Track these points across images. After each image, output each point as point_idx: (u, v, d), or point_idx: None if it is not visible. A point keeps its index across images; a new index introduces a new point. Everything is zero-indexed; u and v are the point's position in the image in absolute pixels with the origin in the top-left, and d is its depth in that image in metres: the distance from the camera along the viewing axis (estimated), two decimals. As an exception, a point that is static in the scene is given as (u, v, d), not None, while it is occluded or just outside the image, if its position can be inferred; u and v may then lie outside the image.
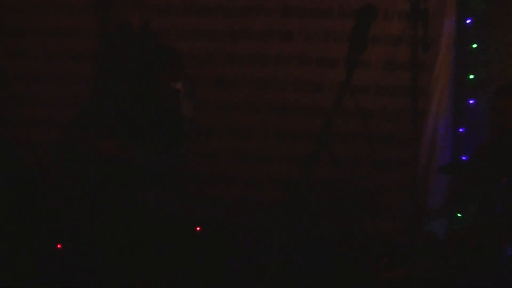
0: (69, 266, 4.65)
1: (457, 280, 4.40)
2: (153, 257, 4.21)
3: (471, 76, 5.46)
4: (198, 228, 5.18)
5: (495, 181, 4.08)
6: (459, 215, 5.32)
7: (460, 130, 5.48)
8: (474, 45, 5.45)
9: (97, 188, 4.15)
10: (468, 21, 5.44)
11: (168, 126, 4.03)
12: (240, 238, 5.51)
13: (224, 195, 5.78)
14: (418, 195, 3.84)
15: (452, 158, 5.45)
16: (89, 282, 4.40)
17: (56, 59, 6.02)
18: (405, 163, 5.44)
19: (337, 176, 5.09)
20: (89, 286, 4.37)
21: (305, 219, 4.32)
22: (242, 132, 5.78)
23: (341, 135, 5.28)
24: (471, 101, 5.46)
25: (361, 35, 3.70)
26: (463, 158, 5.38)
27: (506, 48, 5.40)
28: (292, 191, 5.17)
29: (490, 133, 4.72)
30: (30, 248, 4.79)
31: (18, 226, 4.81)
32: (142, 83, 4.02)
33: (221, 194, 5.79)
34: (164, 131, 4.03)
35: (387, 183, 5.49)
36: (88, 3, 4.97)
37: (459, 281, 4.38)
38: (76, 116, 4.42)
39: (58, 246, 4.66)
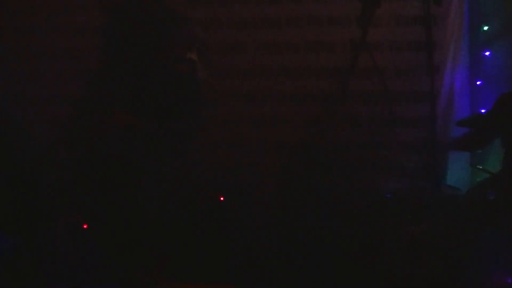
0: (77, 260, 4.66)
1: (477, 235, 4.41)
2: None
3: (485, 27, 5.37)
4: (221, 198, 5.15)
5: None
6: (479, 167, 5.27)
7: (477, 82, 5.40)
8: (487, -4, 5.37)
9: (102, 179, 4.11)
10: (479, -29, 5.36)
11: (186, 95, 3.99)
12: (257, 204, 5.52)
13: (240, 161, 5.75)
14: (438, 151, 3.78)
15: (470, 112, 5.40)
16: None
17: (69, 35, 6.00)
18: (423, 120, 5.42)
19: (354, 136, 5.09)
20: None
21: (322, 181, 4.28)
22: (256, 97, 5.73)
23: (357, 95, 5.23)
24: (486, 53, 5.39)
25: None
26: (481, 111, 5.32)
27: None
28: (310, 152, 5.21)
29: None
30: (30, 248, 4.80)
31: (18, 225, 4.82)
32: (157, 55, 3.98)
33: (237, 159, 5.76)
34: (182, 99, 3.99)
35: (405, 140, 5.43)
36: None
37: (480, 236, 4.38)
38: (90, 91, 4.38)
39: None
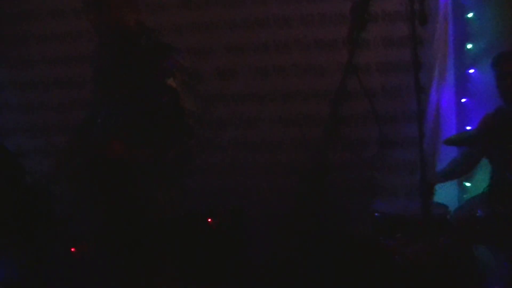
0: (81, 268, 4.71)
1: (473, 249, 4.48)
2: (165, 253, 4.24)
3: (470, 46, 5.47)
4: (209, 220, 5.21)
5: (507, 147, 4.10)
6: (467, 184, 5.35)
7: (463, 100, 5.49)
8: (471, 14, 5.45)
9: (103, 189, 4.17)
10: (463, -9, 5.46)
11: (169, 123, 4.02)
12: (253, 227, 5.58)
13: (234, 185, 5.83)
14: (427, 170, 3.85)
15: (457, 130, 5.48)
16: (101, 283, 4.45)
17: (55, 64, 6.07)
18: (410, 140, 5.50)
19: (346, 159, 5.16)
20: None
21: (317, 204, 4.33)
22: (248, 122, 5.81)
23: (346, 117, 5.30)
24: (471, 71, 5.48)
25: (360, 14, 3.67)
26: (467, 128, 5.40)
27: (503, 15, 5.41)
28: (305, 176, 5.26)
29: (503, 98, 4.74)
30: (40, 252, 4.85)
31: (26, 232, 4.88)
32: (138, 82, 4.02)
33: (231, 184, 5.83)
34: (166, 128, 4.03)
35: (394, 161, 5.54)
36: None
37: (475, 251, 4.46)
38: (82, 121, 4.45)
39: (72, 249, 4.70)
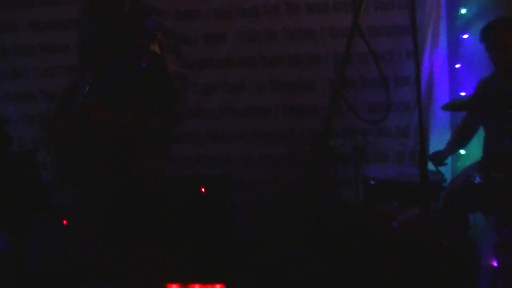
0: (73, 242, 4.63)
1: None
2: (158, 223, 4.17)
3: (463, 11, 5.39)
4: (202, 189, 5.14)
5: (502, 113, 4.05)
6: (462, 152, 5.30)
7: (456, 66, 5.42)
8: (464, -21, 5.38)
9: (86, 157, 4.07)
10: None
11: (151, 88, 3.93)
12: (241, 194, 5.53)
13: (222, 152, 5.75)
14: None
15: (450, 96, 5.43)
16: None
17: (40, 29, 5.94)
18: (402, 105, 5.46)
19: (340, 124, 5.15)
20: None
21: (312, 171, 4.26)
22: (236, 87, 5.71)
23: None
24: (465, 36, 5.40)
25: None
26: (461, 94, 5.34)
27: (496, -20, 5.33)
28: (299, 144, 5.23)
29: (493, 66, 4.70)
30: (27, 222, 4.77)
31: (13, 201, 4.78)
32: (120, 47, 3.92)
33: (218, 151, 5.75)
34: (148, 93, 3.94)
35: (386, 126, 5.48)
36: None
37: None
38: (66, 87, 4.34)
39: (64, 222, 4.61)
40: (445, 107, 4.74)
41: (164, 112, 4.00)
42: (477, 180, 4.18)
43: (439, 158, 4.92)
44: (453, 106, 4.82)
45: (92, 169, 4.04)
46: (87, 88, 4.00)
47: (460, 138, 5.06)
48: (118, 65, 3.87)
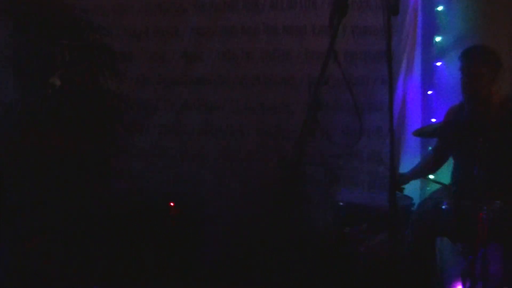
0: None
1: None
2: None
3: (438, 39, 5.46)
4: (172, 204, 5.15)
5: (471, 142, 4.11)
6: (431, 176, 5.36)
7: (429, 93, 5.48)
8: (440, 8, 5.44)
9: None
10: (432, -16, 5.44)
11: (86, 109, 3.79)
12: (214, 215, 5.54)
13: (195, 172, 5.75)
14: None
15: (422, 122, 5.49)
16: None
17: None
18: (374, 130, 5.51)
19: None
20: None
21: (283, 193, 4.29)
22: (212, 107, 5.73)
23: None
24: (439, 64, 5.48)
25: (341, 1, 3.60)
26: (433, 120, 5.40)
27: (471, 9, 5.40)
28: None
29: (463, 95, 4.76)
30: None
31: None
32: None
33: (192, 170, 5.75)
34: (85, 113, 3.80)
35: (359, 151, 5.53)
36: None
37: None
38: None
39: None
40: (416, 133, 4.79)
41: (101, 133, 3.84)
42: (445, 206, 4.23)
43: (400, 181, 4.94)
44: (424, 132, 4.87)
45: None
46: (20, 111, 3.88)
47: (430, 165, 5.11)
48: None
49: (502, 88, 4.95)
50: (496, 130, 4.50)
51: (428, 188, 5.37)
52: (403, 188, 4.94)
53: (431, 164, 5.09)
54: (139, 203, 5.25)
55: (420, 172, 5.12)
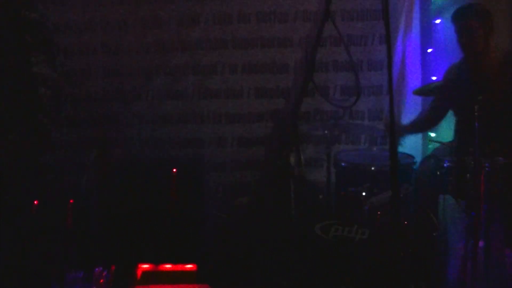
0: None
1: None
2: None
3: (436, -4, 5.42)
4: (174, 170, 5.12)
5: (473, 99, 4.09)
6: (432, 134, 5.34)
7: (429, 51, 5.44)
8: (438, -36, 5.40)
9: None
10: None
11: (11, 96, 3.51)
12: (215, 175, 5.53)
13: (195, 134, 5.72)
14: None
15: (422, 80, 5.46)
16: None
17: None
18: (375, 89, 5.49)
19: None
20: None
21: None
22: (209, 69, 5.65)
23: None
24: (437, 21, 5.43)
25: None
26: (433, 78, 5.36)
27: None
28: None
29: (463, 53, 4.74)
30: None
31: None
32: None
33: (192, 132, 5.72)
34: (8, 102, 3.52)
35: (362, 110, 5.52)
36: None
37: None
38: None
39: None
40: (416, 92, 4.77)
41: (26, 126, 3.40)
42: (447, 164, 4.22)
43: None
44: (424, 91, 4.86)
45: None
46: None
47: (427, 123, 5.09)
48: None
49: (501, 44, 4.97)
50: (497, 85, 4.49)
51: (429, 146, 5.36)
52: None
53: (428, 121, 5.08)
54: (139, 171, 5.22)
55: (416, 127, 5.10)
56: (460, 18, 4.73)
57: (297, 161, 3.30)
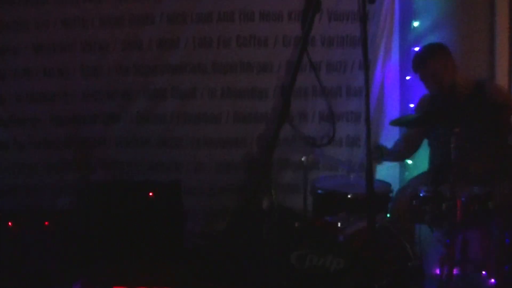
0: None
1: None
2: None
3: (416, 24, 5.44)
4: (151, 194, 5.12)
5: (447, 130, 4.11)
6: (409, 162, 5.36)
7: (407, 78, 5.47)
8: (417, -7, 5.43)
9: None
10: (410, -31, 5.42)
11: None
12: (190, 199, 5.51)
13: (173, 158, 5.72)
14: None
15: (400, 107, 5.49)
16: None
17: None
18: (353, 115, 5.50)
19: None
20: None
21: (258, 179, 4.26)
22: (187, 93, 5.67)
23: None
24: (416, 48, 5.45)
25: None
26: (411, 106, 5.38)
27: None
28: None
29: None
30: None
31: None
32: None
33: (169, 157, 5.72)
34: None
35: (340, 136, 5.53)
36: None
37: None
38: None
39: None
40: (393, 123, 4.78)
41: None
42: (423, 193, 4.22)
43: (381, 154, 4.94)
44: (401, 122, 4.87)
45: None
46: None
47: (400, 153, 5.12)
48: None
49: (475, 74, 5.01)
50: (471, 116, 4.52)
51: (406, 173, 5.38)
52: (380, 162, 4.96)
53: (401, 151, 5.10)
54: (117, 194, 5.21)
55: (391, 157, 5.11)
56: (418, 66, 4.78)
57: (270, 205, 3.30)
